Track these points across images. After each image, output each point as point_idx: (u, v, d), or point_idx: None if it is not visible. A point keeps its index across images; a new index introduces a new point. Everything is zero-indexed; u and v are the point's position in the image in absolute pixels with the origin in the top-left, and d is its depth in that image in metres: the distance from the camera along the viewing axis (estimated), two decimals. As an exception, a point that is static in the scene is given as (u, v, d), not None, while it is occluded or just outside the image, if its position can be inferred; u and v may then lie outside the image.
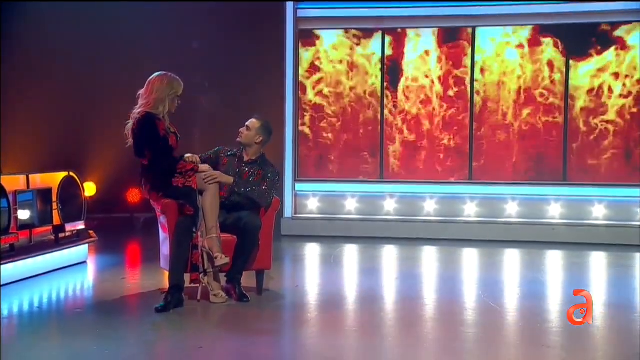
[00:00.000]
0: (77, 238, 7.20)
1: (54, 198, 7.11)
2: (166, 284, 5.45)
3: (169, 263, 5.43)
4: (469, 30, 8.96)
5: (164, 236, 5.67)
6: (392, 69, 9.15)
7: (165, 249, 5.68)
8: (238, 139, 5.81)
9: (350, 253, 8.12)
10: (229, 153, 5.85)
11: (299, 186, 9.27)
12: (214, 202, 5.46)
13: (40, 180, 6.98)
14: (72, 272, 6.77)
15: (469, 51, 8.98)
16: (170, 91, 5.45)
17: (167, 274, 5.52)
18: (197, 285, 5.49)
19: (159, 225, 5.72)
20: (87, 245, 7.29)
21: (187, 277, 5.44)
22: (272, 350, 4.56)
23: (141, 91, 5.49)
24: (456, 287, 6.41)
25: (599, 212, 8.80)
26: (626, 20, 8.64)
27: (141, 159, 5.47)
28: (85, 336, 4.72)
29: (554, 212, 8.89)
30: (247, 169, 5.75)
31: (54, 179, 7.22)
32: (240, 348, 4.52)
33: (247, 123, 5.82)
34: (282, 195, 8.60)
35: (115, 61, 9.53)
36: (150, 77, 5.51)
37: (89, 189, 9.44)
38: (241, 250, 5.54)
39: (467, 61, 8.99)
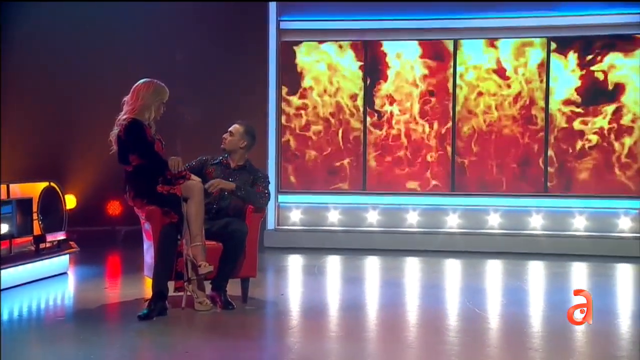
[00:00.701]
0: (57, 248, 7.12)
1: (35, 208, 7.05)
2: (150, 293, 5.40)
3: (153, 270, 5.39)
4: (452, 42, 9.03)
5: (148, 244, 5.63)
6: (374, 82, 9.19)
7: (149, 256, 5.64)
8: (222, 146, 5.80)
9: (334, 263, 8.11)
10: (214, 162, 5.84)
11: (282, 198, 9.26)
12: (199, 209, 5.43)
13: (20, 190, 6.91)
14: (52, 282, 6.69)
15: (451, 63, 9.05)
16: (155, 98, 5.45)
17: (150, 282, 5.47)
18: (182, 293, 5.45)
19: (143, 233, 5.68)
20: (68, 256, 7.21)
21: (171, 285, 5.41)
22: (257, 354, 4.53)
23: (126, 98, 5.48)
24: (440, 295, 6.41)
25: (579, 224, 8.87)
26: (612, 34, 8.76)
27: (125, 166, 5.44)
28: (70, 342, 4.67)
29: (536, 223, 8.95)
30: (235, 176, 5.74)
31: (35, 189, 7.15)
32: (225, 353, 4.49)
33: (230, 129, 5.83)
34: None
35: (97, 73, 9.48)
36: (136, 84, 5.50)
37: (69, 201, 9.34)
38: (227, 257, 5.51)
39: (449, 73, 9.06)
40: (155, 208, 5.36)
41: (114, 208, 9.90)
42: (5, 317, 5.37)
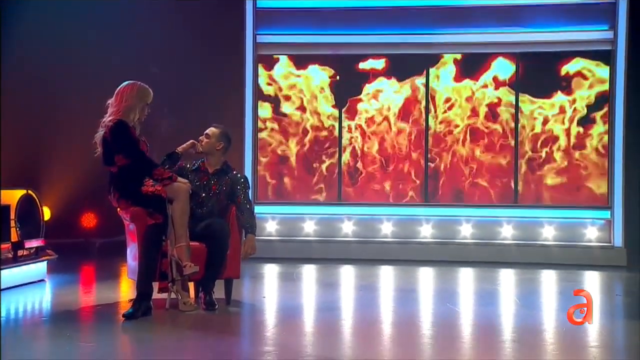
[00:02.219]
0: (35, 256, 7.11)
1: (12, 215, 7.04)
2: (134, 293, 5.44)
3: (137, 271, 5.44)
4: (426, 56, 9.25)
5: (132, 245, 5.68)
6: (348, 94, 9.37)
7: (132, 258, 5.68)
8: (200, 149, 5.88)
9: (310, 272, 8.20)
10: (193, 168, 5.92)
11: (258, 209, 9.33)
12: (184, 211, 5.51)
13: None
14: (31, 287, 6.68)
15: (424, 78, 9.27)
16: (140, 99, 5.54)
17: (134, 285, 5.51)
18: (166, 293, 5.51)
19: (127, 234, 5.72)
20: (45, 263, 7.20)
21: (155, 285, 5.46)
22: (240, 350, 4.61)
23: (110, 100, 5.55)
24: (416, 298, 6.55)
25: (548, 233, 9.10)
26: (572, 50, 9.06)
27: (109, 168, 5.50)
28: (56, 340, 4.69)
29: (506, 233, 9.16)
30: (213, 181, 5.83)
31: (12, 196, 7.15)
32: (207, 348, 4.56)
33: (206, 131, 5.94)
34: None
35: (73, 87, 9.47)
36: (120, 86, 5.59)
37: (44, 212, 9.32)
38: (211, 257, 5.58)
39: (422, 88, 9.28)
40: (139, 209, 5.42)
41: (89, 220, 9.88)
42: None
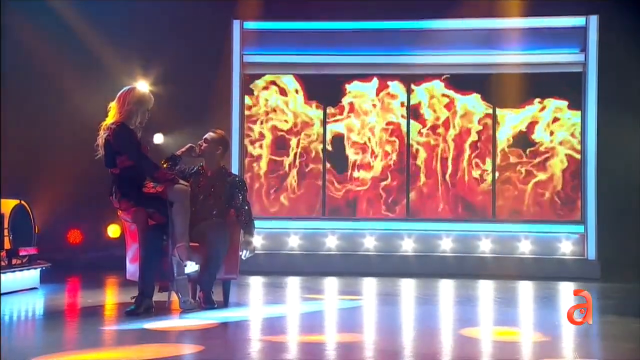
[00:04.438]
0: (28, 264, 7.21)
1: (6, 224, 7.15)
2: (136, 291, 5.60)
3: (139, 270, 5.60)
4: (408, 76, 9.60)
5: (132, 246, 5.84)
6: (331, 110, 9.66)
7: (132, 259, 5.84)
8: (199, 153, 6.09)
9: (295, 283, 8.37)
10: (192, 171, 6.14)
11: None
12: (185, 212, 5.70)
13: (-5, 205, 7.03)
14: (26, 294, 6.78)
15: (407, 96, 9.60)
16: (141, 104, 5.74)
17: (132, 287, 5.67)
18: (166, 292, 5.67)
19: (127, 235, 5.89)
20: (39, 271, 7.30)
21: (156, 285, 5.63)
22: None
23: (111, 103, 5.74)
24: (401, 309, 6.78)
25: (525, 247, 9.42)
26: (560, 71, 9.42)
27: (112, 170, 5.68)
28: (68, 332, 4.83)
29: (485, 247, 9.46)
30: (212, 184, 6.04)
31: (6, 205, 7.27)
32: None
33: (205, 136, 6.17)
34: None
35: (64, 107, 9.58)
36: (121, 91, 5.79)
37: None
38: (210, 257, 5.76)
39: (403, 108, 9.61)
40: (141, 209, 5.61)
41: (75, 236, 9.95)
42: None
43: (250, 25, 9.73)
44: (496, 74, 9.51)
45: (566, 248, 9.37)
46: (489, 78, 9.54)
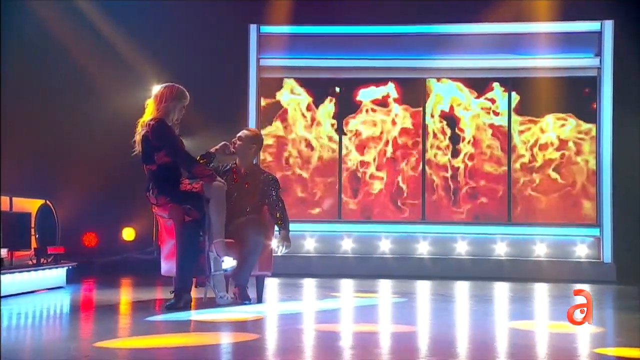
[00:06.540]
0: (55, 262, 7.20)
1: (32, 223, 7.19)
2: (166, 294, 5.62)
3: (177, 266, 5.62)
4: (424, 81, 9.69)
5: (168, 242, 5.85)
6: (346, 114, 9.73)
7: (168, 255, 5.85)
8: (233, 151, 6.12)
9: (310, 284, 8.36)
10: (225, 169, 6.17)
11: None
12: (221, 208, 5.71)
13: (19, 205, 7.05)
14: (54, 292, 6.77)
15: (423, 100, 9.69)
16: (178, 101, 5.78)
17: (164, 286, 5.70)
18: (203, 287, 5.69)
19: (164, 232, 5.90)
20: (65, 270, 7.29)
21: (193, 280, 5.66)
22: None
23: (149, 100, 5.78)
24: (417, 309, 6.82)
25: (540, 250, 9.49)
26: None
27: (149, 166, 5.70)
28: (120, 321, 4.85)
29: (500, 250, 9.53)
30: (246, 181, 6.08)
31: (33, 204, 7.30)
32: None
33: (238, 134, 6.20)
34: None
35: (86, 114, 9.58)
36: (158, 89, 5.82)
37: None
38: (245, 254, 5.78)
39: (421, 110, 9.70)
40: (178, 206, 5.63)
41: (90, 240, 9.93)
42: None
43: (267, 29, 9.80)
44: (512, 77, 9.61)
45: (582, 251, 9.45)
46: (504, 82, 9.64)
